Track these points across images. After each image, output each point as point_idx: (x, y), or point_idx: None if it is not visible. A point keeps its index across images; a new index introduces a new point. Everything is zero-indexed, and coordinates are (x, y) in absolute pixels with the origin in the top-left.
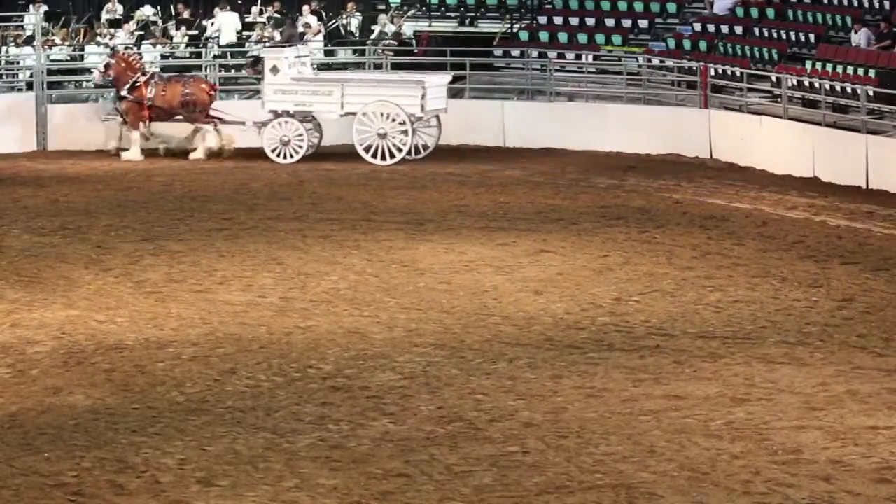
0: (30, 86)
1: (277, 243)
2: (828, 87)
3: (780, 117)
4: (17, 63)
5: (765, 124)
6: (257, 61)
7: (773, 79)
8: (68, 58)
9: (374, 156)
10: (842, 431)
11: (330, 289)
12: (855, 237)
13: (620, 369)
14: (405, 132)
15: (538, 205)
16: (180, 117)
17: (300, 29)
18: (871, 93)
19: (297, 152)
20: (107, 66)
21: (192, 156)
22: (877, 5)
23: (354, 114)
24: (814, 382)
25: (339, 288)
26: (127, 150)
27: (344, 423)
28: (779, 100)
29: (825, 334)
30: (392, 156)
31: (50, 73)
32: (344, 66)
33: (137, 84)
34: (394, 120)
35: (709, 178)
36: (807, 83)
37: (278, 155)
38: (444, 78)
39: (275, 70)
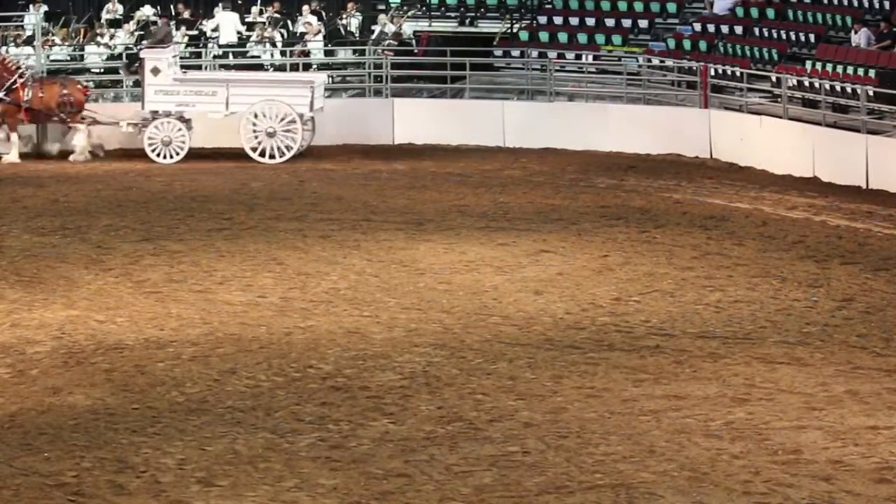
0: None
1: (277, 243)
2: (828, 87)
3: (780, 117)
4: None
5: (765, 124)
6: (132, 62)
7: (773, 79)
8: (68, 58)
9: (262, 155)
10: (842, 431)
11: (330, 289)
12: (855, 237)
13: (620, 369)
14: (294, 131)
15: (538, 205)
16: (55, 119)
17: (301, 28)
18: (871, 93)
19: (178, 153)
20: None
21: (72, 157)
22: (877, 5)
23: (239, 113)
24: (814, 382)
25: (339, 288)
26: (7, 153)
27: (344, 423)
28: (779, 100)
29: (825, 334)
30: (281, 155)
31: (50, 73)
32: (344, 66)
33: (14, 87)
34: (283, 119)
35: (709, 178)
36: (807, 83)
37: (159, 155)
38: (321, 76)
39: (155, 71)
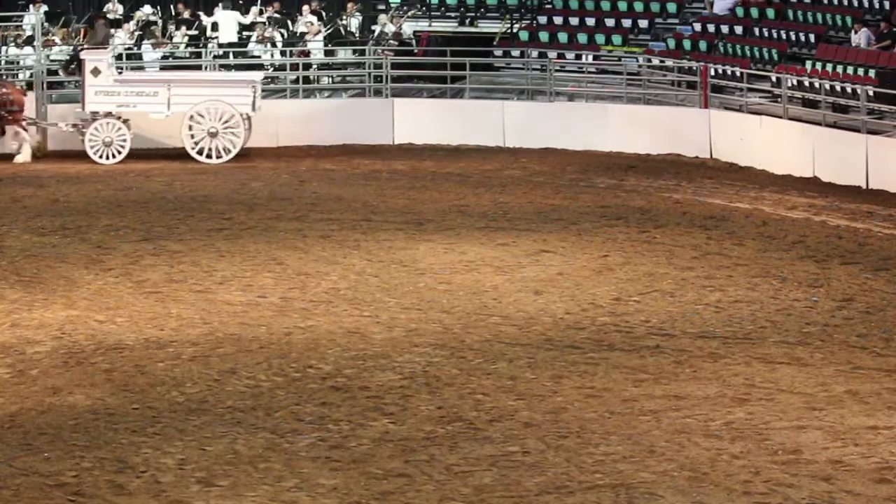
0: (30, 86)
1: (277, 243)
2: (828, 87)
3: (780, 117)
4: (17, 63)
5: (765, 124)
6: (70, 63)
7: (773, 79)
8: (68, 58)
9: (202, 154)
10: (842, 431)
11: (330, 289)
12: (855, 237)
13: (620, 369)
14: (237, 131)
15: (538, 205)
16: None
17: (302, 28)
18: (871, 93)
19: (119, 152)
20: None
21: (18, 159)
22: (877, 5)
23: (182, 113)
24: (814, 382)
25: (339, 288)
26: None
27: (344, 423)
28: (779, 100)
29: (825, 334)
30: (221, 155)
31: (50, 73)
32: (344, 66)
33: None
34: (225, 119)
35: (709, 178)
36: (807, 83)
37: (100, 156)
38: (259, 76)
39: (96, 72)
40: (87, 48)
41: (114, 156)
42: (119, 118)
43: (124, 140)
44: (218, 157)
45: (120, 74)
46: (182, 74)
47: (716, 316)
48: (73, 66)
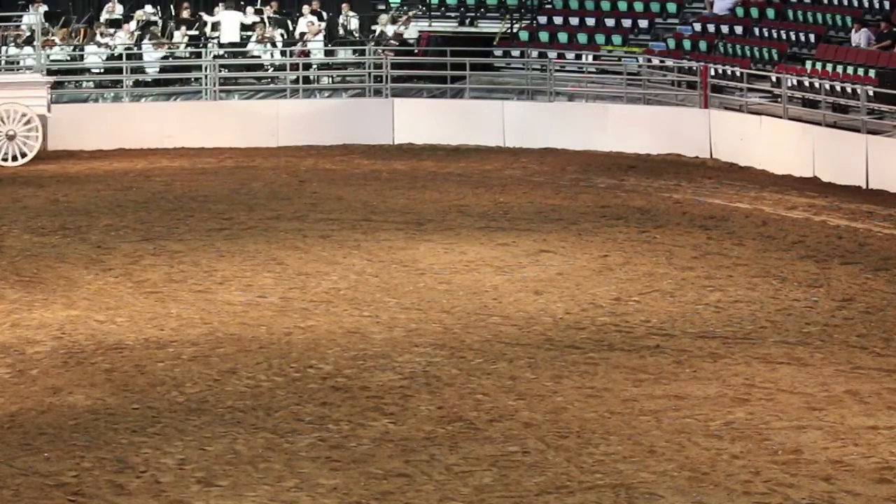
0: None
1: (277, 243)
2: (828, 87)
3: (780, 117)
4: (17, 63)
5: (765, 124)
6: None
7: (773, 79)
8: (68, 58)
9: (4, 159)
10: (842, 431)
11: (330, 289)
12: (855, 237)
13: (620, 369)
14: (35, 133)
15: (538, 205)
16: None
17: (304, 28)
18: (871, 93)
19: None
20: None
21: None
22: (877, 5)
23: None
24: (814, 382)
25: (339, 288)
26: None
27: (344, 423)
28: (779, 100)
29: (825, 334)
30: (22, 157)
31: (50, 73)
32: (344, 66)
33: None
34: (22, 121)
35: (709, 178)
36: (807, 83)
37: None
38: (47, 78)
39: None
40: None
41: None
42: None
43: None
44: (19, 159)
45: None
46: None
47: (716, 316)
48: None
